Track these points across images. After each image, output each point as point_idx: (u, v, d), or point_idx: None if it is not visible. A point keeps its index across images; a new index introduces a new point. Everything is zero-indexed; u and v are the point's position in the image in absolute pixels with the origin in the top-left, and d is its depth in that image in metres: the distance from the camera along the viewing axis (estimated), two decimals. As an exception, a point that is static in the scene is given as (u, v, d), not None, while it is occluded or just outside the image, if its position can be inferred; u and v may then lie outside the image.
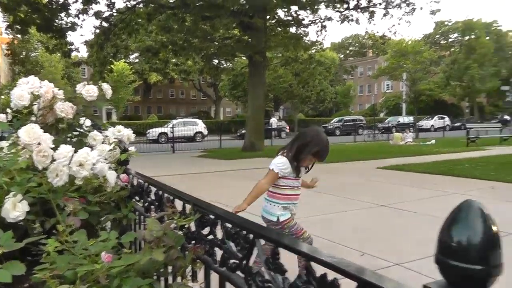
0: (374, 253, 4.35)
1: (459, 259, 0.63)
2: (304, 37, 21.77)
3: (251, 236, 1.11)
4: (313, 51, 25.16)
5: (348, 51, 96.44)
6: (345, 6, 20.60)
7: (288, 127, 40.92)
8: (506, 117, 55.64)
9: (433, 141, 24.52)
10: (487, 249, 0.63)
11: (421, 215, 6.12)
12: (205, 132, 34.62)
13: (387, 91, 71.03)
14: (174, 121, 35.18)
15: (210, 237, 1.31)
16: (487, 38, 58.68)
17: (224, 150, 20.01)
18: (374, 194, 7.77)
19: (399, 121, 44.54)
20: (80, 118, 2.18)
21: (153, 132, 32.73)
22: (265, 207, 3.29)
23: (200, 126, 35.16)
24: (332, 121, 46.52)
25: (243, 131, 26.77)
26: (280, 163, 3.22)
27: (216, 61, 24.27)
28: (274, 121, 39.09)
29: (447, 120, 49.64)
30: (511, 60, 62.49)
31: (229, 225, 1.22)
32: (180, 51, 21.21)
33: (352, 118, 47.32)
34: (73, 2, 18.02)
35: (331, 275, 0.84)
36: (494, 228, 0.65)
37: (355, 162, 13.83)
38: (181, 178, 10.46)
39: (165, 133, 31.03)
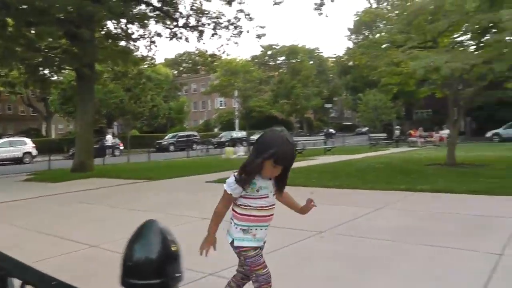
0: (191, 266, 4.37)
1: (138, 277, 0.64)
2: (135, 52, 21.39)
3: (2, 273, 1.02)
4: (146, 66, 24.85)
5: (181, 68, 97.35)
6: (175, 23, 20.77)
7: (121, 144, 39.74)
8: (331, 130, 61.50)
9: (262, 154, 25.81)
10: (165, 264, 0.65)
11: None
12: (35, 152, 31.85)
13: (221, 107, 73.37)
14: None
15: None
16: (311, 62, 64.94)
17: (53, 172, 18.49)
18: (200, 208, 7.87)
19: (232, 136, 46.09)
20: None
21: (-24, 156, 29.22)
22: (229, 226, 2.79)
23: (29, 145, 32.09)
24: (166, 137, 46.33)
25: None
26: (231, 182, 2.64)
27: (45, 72, 22.34)
28: (110, 138, 37.76)
29: (278, 134, 52.78)
30: (332, 82, 70.03)
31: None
32: (1, 60, 19.14)
33: (186, 133, 47.73)
34: None
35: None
36: (172, 245, 0.68)
37: (185, 178, 13.87)
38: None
39: (-10, 156, 27.93)
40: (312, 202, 2.99)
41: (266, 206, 2.67)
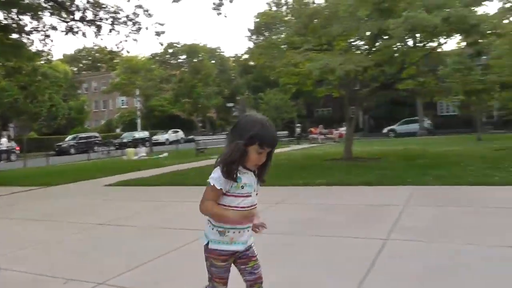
0: (81, 276, 4.16)
1: None
2: (29, 46, 19.95)
3: None
4: (42, 62, 23.44)
5: (81, 65, 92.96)
6: (71, 16, 19.68)
7: (18, 148, 37.21)
8: (234, 129, 61.91)
9: (166, 154, 25.57)
10: None
11: (139, 228, 6.23)
12: None
13: (123, 106, 71.32)
14: None
15: None
16: (213, 61, 64.93)
17: None
18: (96, 214, 7.59)
19: (134, 137, 45.13)
20: None
21: None
22: (204, 227, 2.53)
23: None
24: (66, 139, 44.11)
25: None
26: (217, 177, 2.35)
27: None
28: (5, 142, 35.29)
29: (181, 134, 52.44)
30: (234, 81, 70.62)
31: None
32: None
33: (87, 135, 45.86)
34: None
35: None
36: None
37: (84, 182, 13.23)
38: None
39: None
40: (262, 226, 2.64)
41: (247, 207, 2.42)
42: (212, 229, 2.44)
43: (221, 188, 2.33)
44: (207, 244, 2.45)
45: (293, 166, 13.90)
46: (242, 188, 2.39)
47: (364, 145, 22.93)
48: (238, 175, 2.35)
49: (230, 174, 2.31)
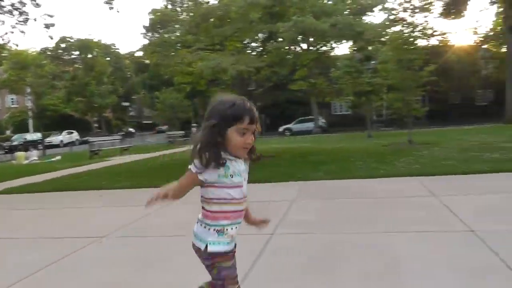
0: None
1: None
2: None
3: None
4: None
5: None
6: None
7: None
8: (131, 129, 60.50)
9: (59, 157, 24.50)
10: None
11: (23, 240, 5.78)
12: None
13: (13, 106, 66.70)
14: None
15: None
16: (107, 58, 62.80)
17: None
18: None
19: (26, 139, 42.63)
20: None
21: None
22: (196, 229, 2.29)
23: None
24: None
25: None
26: (196, 162, 2.14)
27: None
28: None
29: (76, 135, 50.38)
30: (129, 80, 68.94)
31: None
32: None
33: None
34: None
35: None
36: None
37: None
38: None
39: None
40: (265, 223, 2.71)
41: (239, 199, 2.24)
42: (208, 229, 2.24)
43: (196, 172, 2.15)
44: (206, 248, 2.23)
45: (186, 166, 13.88)
46: (232, 177, 2.19)
47: (260, 144, 23.04)
48: (226, 163, 2.16)
49: (216, 157, 2.11)
